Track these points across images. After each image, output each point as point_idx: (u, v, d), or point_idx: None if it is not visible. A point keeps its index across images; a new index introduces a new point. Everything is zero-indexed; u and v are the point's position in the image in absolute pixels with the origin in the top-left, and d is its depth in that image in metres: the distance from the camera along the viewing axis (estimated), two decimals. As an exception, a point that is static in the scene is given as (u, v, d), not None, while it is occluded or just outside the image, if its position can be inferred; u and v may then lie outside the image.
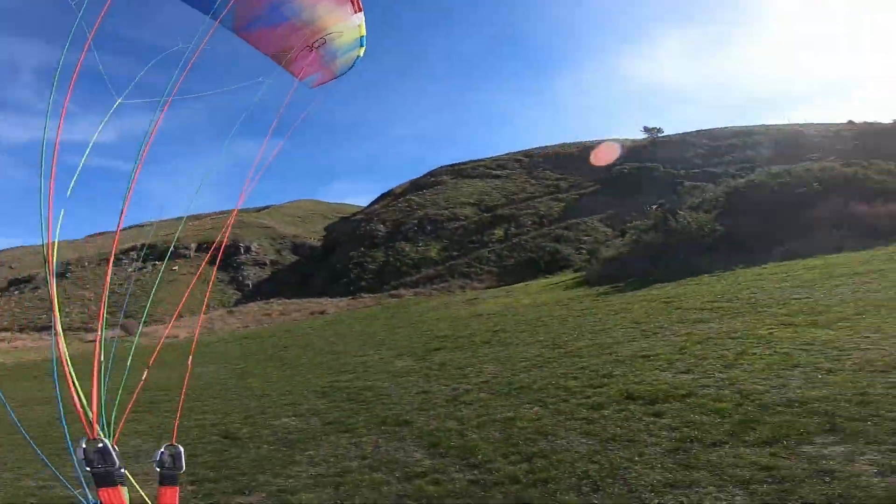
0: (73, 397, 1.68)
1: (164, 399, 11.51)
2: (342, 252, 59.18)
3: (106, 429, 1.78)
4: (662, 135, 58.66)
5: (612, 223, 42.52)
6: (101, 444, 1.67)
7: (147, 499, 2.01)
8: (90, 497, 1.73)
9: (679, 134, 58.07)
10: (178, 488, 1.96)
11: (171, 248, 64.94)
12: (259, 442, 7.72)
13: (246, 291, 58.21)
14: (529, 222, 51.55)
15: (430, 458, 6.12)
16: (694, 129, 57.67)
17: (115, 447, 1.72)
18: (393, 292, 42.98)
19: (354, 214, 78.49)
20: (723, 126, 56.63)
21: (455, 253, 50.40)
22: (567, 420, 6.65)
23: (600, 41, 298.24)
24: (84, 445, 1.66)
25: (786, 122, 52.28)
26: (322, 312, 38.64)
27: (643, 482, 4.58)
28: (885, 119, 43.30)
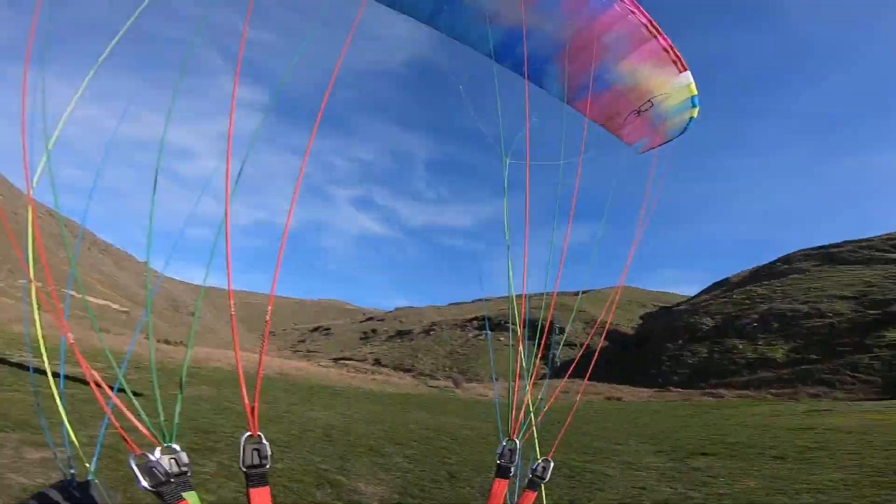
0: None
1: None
2: (656, 342, 53.99)
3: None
4: None
5: None
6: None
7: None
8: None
9: None
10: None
11: (501, 322, 75.92)
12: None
13: (552, 368, 59.76)
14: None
15: None
16: None
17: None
18: (711, 391, 35.79)
19: (677, 305, 71.00)
20: None
21: (813, 356, 37.99)
22: None
23: None
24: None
25: None
26: (619, 399, 36.65)
27: None
28: None
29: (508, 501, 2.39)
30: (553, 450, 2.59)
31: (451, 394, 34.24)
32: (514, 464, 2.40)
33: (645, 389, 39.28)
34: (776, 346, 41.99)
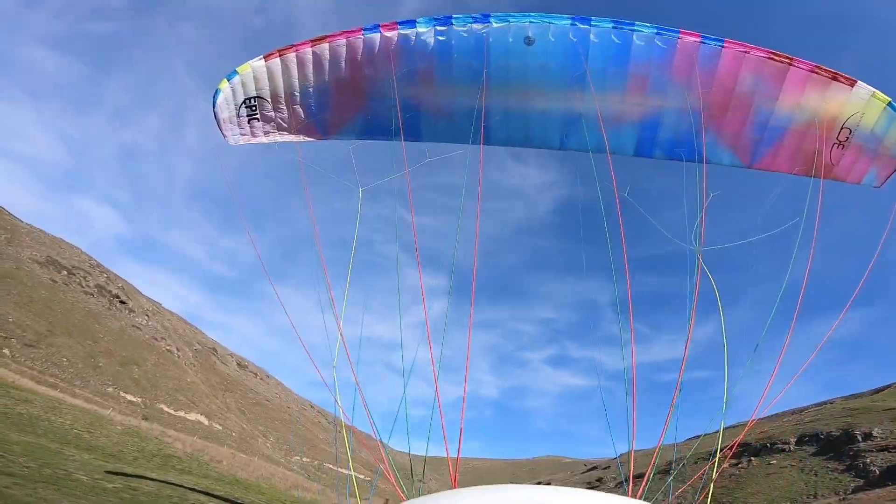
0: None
1: None
2: None
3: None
4: None
5: None
6: None
7: None
8: None
9: None
10: None
11: (768, 444, 68.32)
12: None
13: (871, 478, 52.86)
14: None
15: None
16: None
17: None
18: None
19: None
20: None
21: None
22: None
23: None
24: None
25: None
26: None
27: None
28: None
29: None
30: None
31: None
32: None
33: None
34: None
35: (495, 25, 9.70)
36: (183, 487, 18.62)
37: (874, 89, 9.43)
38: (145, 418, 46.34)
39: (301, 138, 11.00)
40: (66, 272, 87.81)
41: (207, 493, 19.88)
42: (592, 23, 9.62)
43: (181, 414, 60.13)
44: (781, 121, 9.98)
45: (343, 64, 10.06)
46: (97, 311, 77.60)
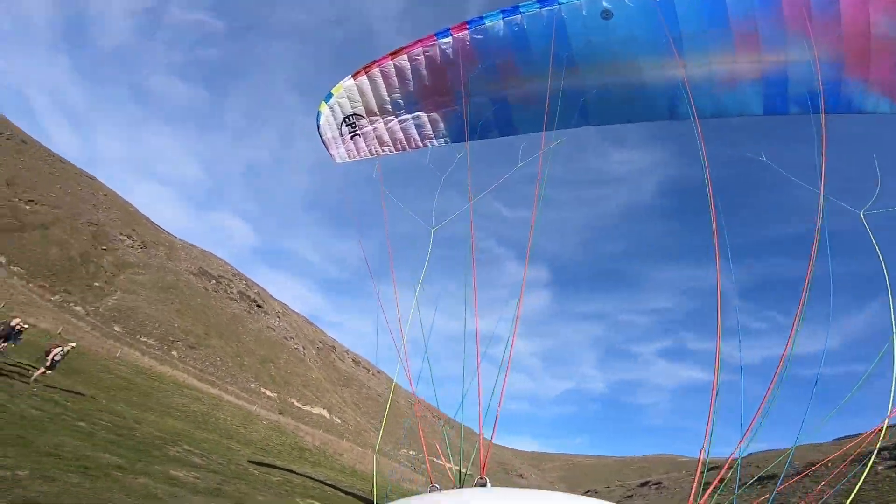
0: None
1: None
2: None
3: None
4: None
5: None
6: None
7: None
8: None
9: None
10: None
11: None
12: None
13: None
14: None
15: None
16: None
17: None
18: None
19: None
20: None
21: None
22: None
23: None
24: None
25: None
26: None
27: None
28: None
29: None
30: None
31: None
32: None
33: None
34: None
35: (565, 3, 9.16)
36: (318, 481, 22.55)
37: None
38: (281, 412, 53.59)
39: (401, 149, 10.71)
40: (214, 281, 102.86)
41: (335, 487, 23.69)
42: None
43: (308, 408, 67.97)
44: None
45: (424, 72, 9.80)
46: (240, 314, 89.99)
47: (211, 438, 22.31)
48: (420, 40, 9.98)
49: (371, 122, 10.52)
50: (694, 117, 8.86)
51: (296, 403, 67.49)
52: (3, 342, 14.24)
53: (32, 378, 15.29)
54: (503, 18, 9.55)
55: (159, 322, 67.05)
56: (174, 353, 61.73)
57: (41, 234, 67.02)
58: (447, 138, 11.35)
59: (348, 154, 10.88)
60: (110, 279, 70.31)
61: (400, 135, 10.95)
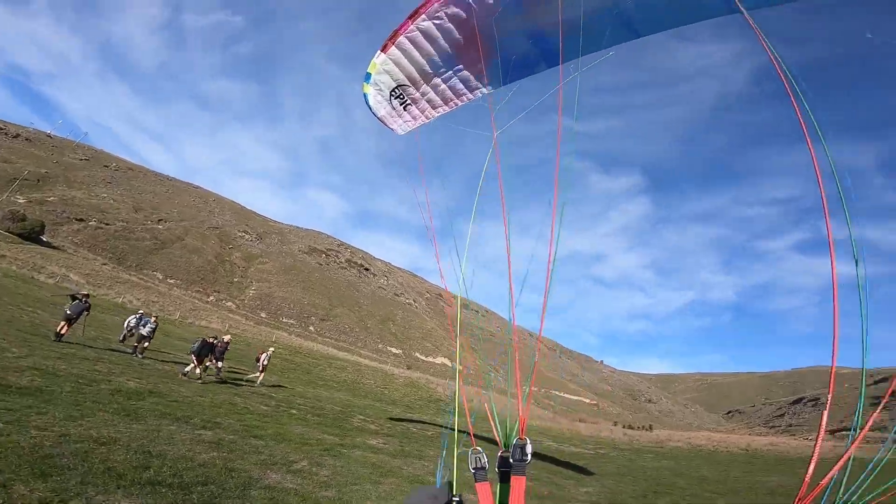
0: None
1: None
2: None
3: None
4: None
5: None
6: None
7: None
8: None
9: None
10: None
11: None
12: None
13: None
14: None
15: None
16: None
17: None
18: None
19: None
20: None
21: None
22: None
23: None
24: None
25: None
26: None
27: None
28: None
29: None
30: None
31: None
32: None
33: None
34: None
35: None
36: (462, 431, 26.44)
37: None
38: (409, 367, 59.97)
39: (452, 106, 11.06)
40: (323, 255, 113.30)
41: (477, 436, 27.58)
42: None
43: (430, 359, 74.70)
44: None
45: (449, 25, 10.51)
46: (353, 281, 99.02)
47: (368, 404, 27.08)
48: (431, -6, 11.14)
49: (418, 89, 9.65)
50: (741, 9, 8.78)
51: (419, 356, 74.44)
52: (221, 360, 18.94)
53: (258, 381, 20.47)
54: None
55: (292, 302, 76.80)
56: (311, 328, 70.83)
57: (180, 246, 78.67)
58: (494, 84, 11.55)
59: (406, 124, 10.09)
60: (244, 273, 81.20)
61: (449, 93, 9.83)
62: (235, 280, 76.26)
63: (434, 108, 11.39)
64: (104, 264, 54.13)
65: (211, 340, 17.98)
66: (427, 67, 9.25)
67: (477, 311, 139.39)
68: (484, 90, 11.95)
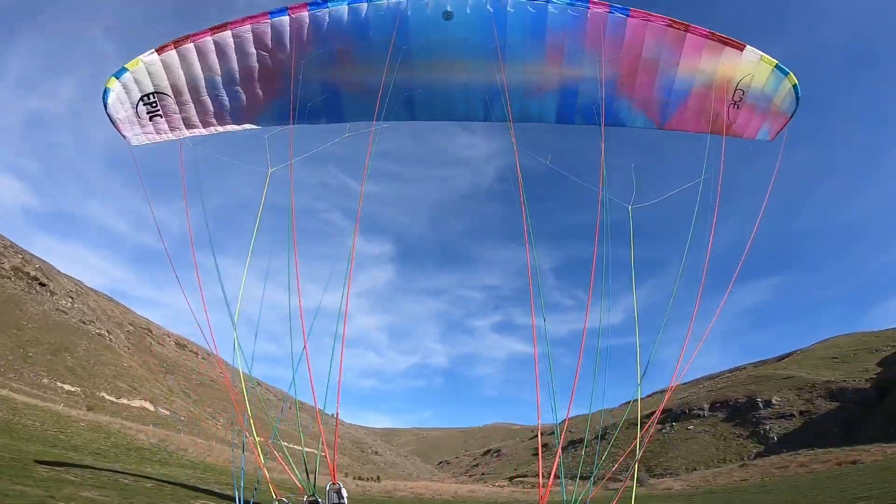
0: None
1: None
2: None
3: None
4: None
5: None
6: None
7: None
8: None
9: None
10: None
11: (686, 409, 73.08)
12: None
13: (770, 444, 56.12)
14: None
15: None
16: None
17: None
18: None
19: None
20: None
21: None
22: None
23: None
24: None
25: None
26: (853, 463, 32.49)
27: None
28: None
29: None
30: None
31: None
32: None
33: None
34: None
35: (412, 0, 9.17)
36: (179, 484, 19.19)
37: (762, 53, 10.06)
38: (89, 409, 44.59)
39: (212, 131, 10.03)
40: (-29, 253, 79.15)
41: (194, 488, 20.59)
42: None
43: (124, 401, 57.83)
44: (684, 84, 10.31)
45: (251, 50, 9.29)
46: (17, 295, 71.27)
47: (44, 450, 17.43)
48: (249, 17, 9.34)
49: (179, 102, 9.45)
50: (510, 120, 9.92)
51: (107, 397, 56.47)
52: None
53: None
54: (348, 4, 9.41)
55: None
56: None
57: None
58: (270, 121, 10.65)
59: (146, 136, 9.72)
60: None
61: (212, 117, 9.99)
62: None
63: (189, 127, 9.01)
64: None
65: None
66: (203, 83, 8.46)
67: (196, 354, 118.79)
68: (256, 125, 9.68)
